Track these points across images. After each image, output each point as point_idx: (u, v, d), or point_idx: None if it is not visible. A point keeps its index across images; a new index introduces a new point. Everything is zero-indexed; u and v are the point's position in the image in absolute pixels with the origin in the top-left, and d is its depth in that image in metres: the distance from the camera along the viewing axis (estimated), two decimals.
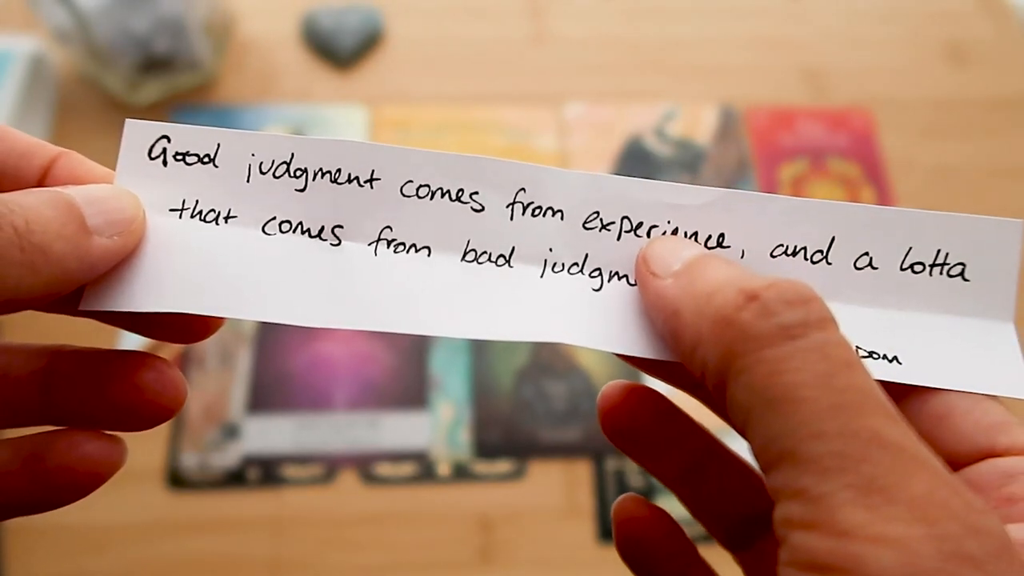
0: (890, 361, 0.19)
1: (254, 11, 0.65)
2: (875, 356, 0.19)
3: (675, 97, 0.64)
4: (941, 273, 0.20)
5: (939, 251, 0.20)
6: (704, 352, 0.16)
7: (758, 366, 0.14)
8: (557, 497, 0.48)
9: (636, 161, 0.60)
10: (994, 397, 0.19)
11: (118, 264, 0.18)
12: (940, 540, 0.12)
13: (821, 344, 0.14)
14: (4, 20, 0.63)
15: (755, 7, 0.69)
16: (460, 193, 0.19)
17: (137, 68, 0.57)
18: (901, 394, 0.19)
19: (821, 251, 0.20)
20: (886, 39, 0.68)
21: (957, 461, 0.18)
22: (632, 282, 0.20)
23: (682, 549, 0.21)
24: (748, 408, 0.15)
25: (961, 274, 0.20)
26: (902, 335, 0.19)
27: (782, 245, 0.20)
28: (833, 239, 0.20)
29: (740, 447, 0.19)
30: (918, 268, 0.20)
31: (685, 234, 0.20)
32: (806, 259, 0.20)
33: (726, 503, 0.21)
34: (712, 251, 0.19)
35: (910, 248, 0.20)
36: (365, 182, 0.19)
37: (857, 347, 0.19)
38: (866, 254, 0.20)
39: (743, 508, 0.21)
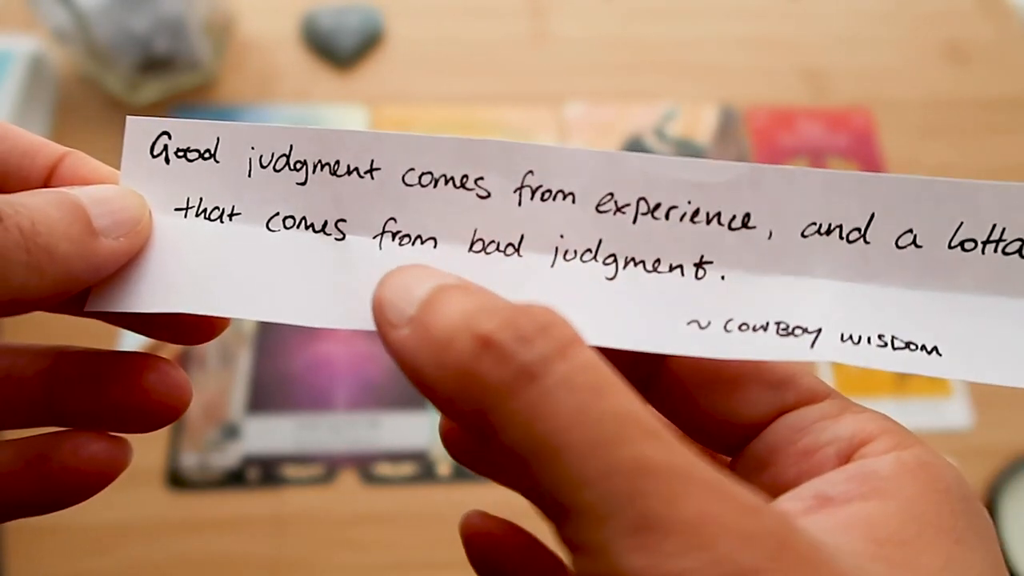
0: (929, 353, 0.18)
1: (254, 11, 0.65)
2: (912, 347, 0.18)
3: (675, 97, 0.64)
4: (996, 251, 0.18)
5: (994, 226, 0.18)
6: (458, 412, 0.15)
7: (510, 421, 0.14)
8: None
9: None
10: None
11: (124, 265, 0.18)
12: (717, 564, 0.12)
13: (566, 376, 0.14)
14: (4, 20, 0.63)
15: (755, 7, 0.69)
16: (464, 179, 0.18)
17: (137, 68, 0.57)
18: (692, 369, 0.18)
19: (859, 229, 0.18)
20: (886, 39, 0.68)
21: (757, 424, 0.18)
22: (649, 268, 0.18)
23: (538, 558, 0.21)
24: (515, 465, 0.14)
25: (1019, 251, 0.18)
26: (946, 321, 0.18)
27: (815, 223, 0.18)
28: (873, 215, 0.18)
29: None
30: (969, 246, 0.18)
31: (707, 215, 0.18)
32: (841, 238, 0.18)
33: None
34: (448, 281, 0.16)
35: (961, 224, 0.18)
36: (365, 173, 0.19)
37: (893, 337, 0.18)
38: (910, 231, 0.18)
39: None
